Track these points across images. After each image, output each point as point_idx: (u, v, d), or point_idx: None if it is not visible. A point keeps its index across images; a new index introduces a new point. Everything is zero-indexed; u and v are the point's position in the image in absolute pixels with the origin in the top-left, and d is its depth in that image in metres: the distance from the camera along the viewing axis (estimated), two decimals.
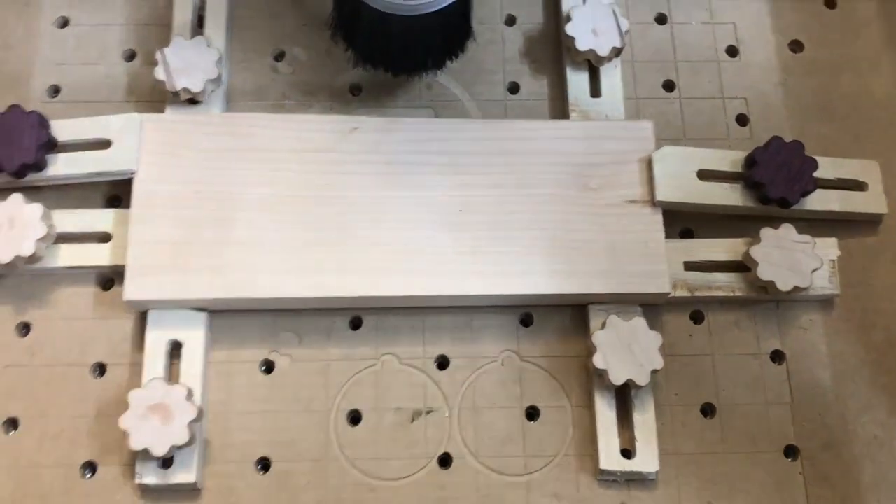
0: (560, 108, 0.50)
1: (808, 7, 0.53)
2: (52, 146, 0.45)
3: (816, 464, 0.44)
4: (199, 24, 0.50)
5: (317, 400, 0.44)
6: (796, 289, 0.44)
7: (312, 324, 0.45)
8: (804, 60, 0.52)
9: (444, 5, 0.41)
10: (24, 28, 0.50)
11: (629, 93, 0.50)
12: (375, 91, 0.50)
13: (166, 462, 0.42)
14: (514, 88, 0.50)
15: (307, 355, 0.45)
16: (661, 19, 0.52)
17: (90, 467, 0.43)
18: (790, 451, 0.44)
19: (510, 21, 0.52)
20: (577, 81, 0.49)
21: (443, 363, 0.45)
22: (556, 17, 0.51)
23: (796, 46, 0.52)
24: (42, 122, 0.44)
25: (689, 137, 0.49)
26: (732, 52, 0.52)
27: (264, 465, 0.43)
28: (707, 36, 0.52)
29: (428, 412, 0.44)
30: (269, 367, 0.45)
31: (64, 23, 0.51)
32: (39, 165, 0.45)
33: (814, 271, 0.44)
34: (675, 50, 0.51)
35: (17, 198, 0.44)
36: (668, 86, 0.51)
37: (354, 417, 0.44)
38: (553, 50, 0.51)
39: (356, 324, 0.46)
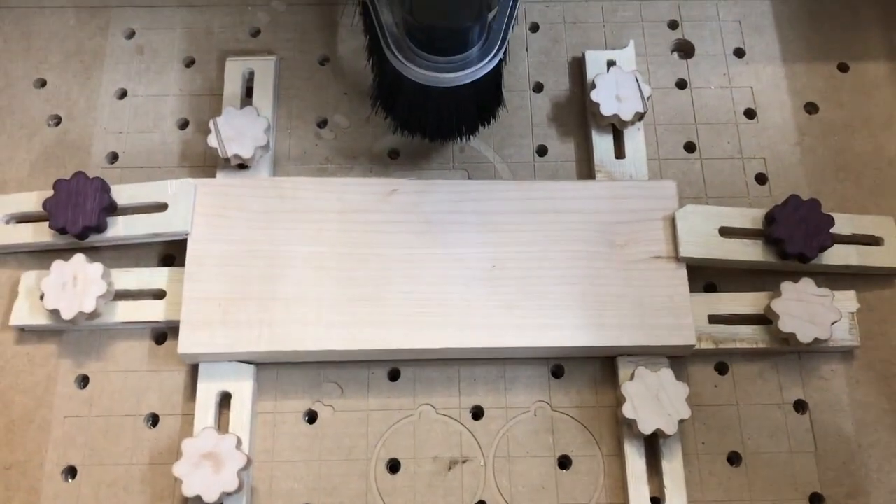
0: (586, 169, 0.52)
1: (821, 71, 0.55)
2: (113, 209, 0.48)
3: None
4: (247, 94, 0.53)
5: (357, 449, 0.46)
6: (817, 340, 0.46)
7: (353, 375, 0.48)
8: (819, 121, 0.54)
9: (477, 77, 0.44)
10: (85, 100, 0.54)
11: (652, 153, 0.52)
12: (412, 155, 0.53)
13: None
14: (542, 151, 0.53)
15: (348, 405, 0.47)
16: (682, 84, 0.55)
17: None
18: (815, 500, 0.45)
19: (538, 88, 0.55)
20: (603, 144, 0.51)
21: (477, 413, 0.47)
22: (581, 84, 0.55)
23: (811, 108, 0.55)
24: (104, 187, 0.48)
25: (710, 196, 0.52)
26: (750, 114, 0.54)
27: None
28: (725, 99, 0.55)
29: (464, 461, 0.46)
30: (312, 417, 0.47)
31: (122, 94, 0.55)
32: (100, 228, 0.48)
33: (833, 323, 0.46)
34: (696, 113, 0.54)
35: (79, 258, 0.47)
36: (689, 147, 0.53)
37: (393, 466, 0.46)
38: (578, 114, 0.54)
39: (394, 375, 0.48)
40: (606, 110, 0.50)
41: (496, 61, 0.44)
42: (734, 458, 0.46)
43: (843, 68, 0.56)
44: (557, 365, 0.48)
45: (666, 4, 0.57)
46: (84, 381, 0.48)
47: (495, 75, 0.47)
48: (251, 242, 0.48)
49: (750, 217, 0.49)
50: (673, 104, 0.55)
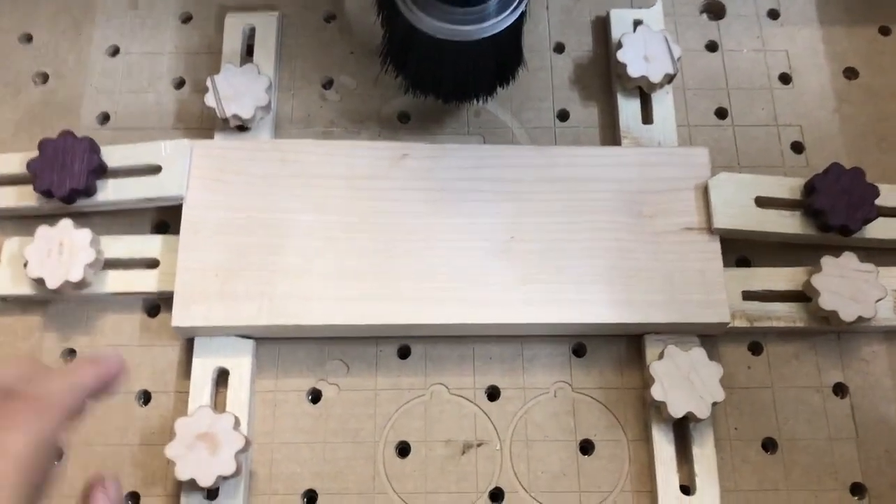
0: (610, 135, 0.49)
1: (861, 34, 0.52)
2: (102, 172, 0.45)
3: (885, 503, 0.42)
4: (248, 53, 0.50)
5: (364, 431, 0.43)
6: (860, 319, 0.42)
7: (360, 352, 0.44)
8: (859, 87, 0.51)
9: (497, 31, 0.41)
10: (75, 57, 0.51)
11: (681, 119, 0.49)
12: (423, 119, 0.49)
13: (211, 493, 0.41)
14: (563, 115, 0.50)
15: (355, 384, 0.44)
16: (712, 46, 0.52)
17: (134, 498, 0.42)
18: (857, 489, 0.42)
19: (559, 48, 0.51)
20: (629, 108, 0.48)
21: (493, 394, 0.44)
22: (605, 44, 0.51)
23: (851, 73, 0.51)
24: (93, 148, 0.44)
25: (743, 165, 0.48)
26: (785, 79, 0.51)
27: (310, 497, 0.42)
28: (759, 63, 0.51)
29: (479, 445, 0.43)
30: (315, 396, 0.44)
31: (115, 51, 0.51)
32: (89, 191, 0.44)
33: (878, 301, 0.43)
34: (727, 77, 0.51)
35: (66, 223, 0.44)
36: (721, 113, 0.50)
37: (403, 449, 0.43)
38: (602, 77, 0.50)
39: (404, 352, 0.45)
40: (634, 71, 0.47)
41: (518, 13, 0.41)
42: (769, 445, 0.43)
43: (885, 31, 0.52)
44: (579, 343, 0.45)
45: None
46: (71, 355, 0.45)
47: (516, 30, 0.43)
48: (251, 209, 0.44)
49: (788, 186, 0.45)
50: (703, 68, 0.51)
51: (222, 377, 0.43)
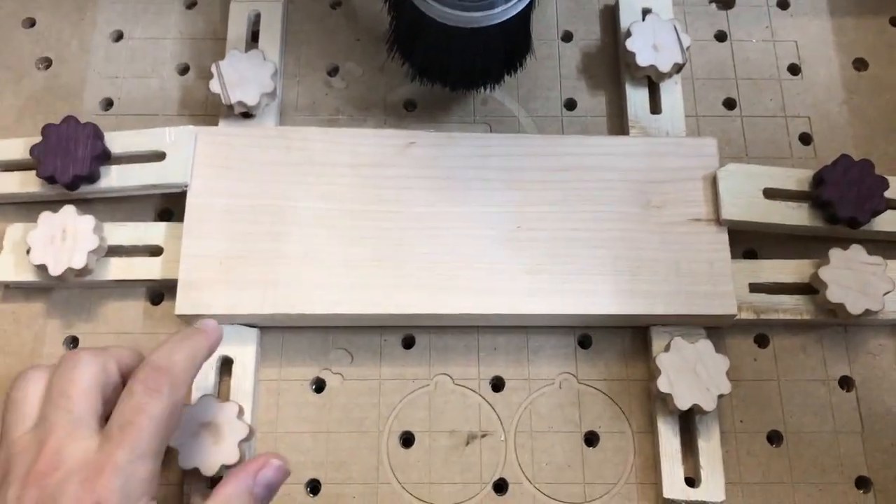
0: (618, 124, 0.48)
1: (872, 25, 0.51)
2: (106, 158, 0.45)
3: (891, 497, 0.42)
4: (253, 39, 0.49)
5: (368, 420, 0.43)
6: (867, 312, 0.42)
7: (364, 342, 0.44)
8: (869, 79, 0.50)
9: (505, 18, 0.40)
10: (78, 41, 0.50)
11: (689, 110, 0.49)
12: (430, 106, 0.49)
13: (215, 482, 0.40)
14: (570, 104, 0.49)
15: (359, 374, 0.44)
16: (721, 36, 0.51)
17: None
18: (862, 483, 0.42)
19: (567, 37, 0.51)
20: (637, 98, 0.48)
21: (498, 385, 0.44)
22: (613, 32, 0.51)
23: (860, 65, 0.51)
24: (97, 134, 0.44)
25: (751, 156, 0.48)
26: (794, 70, 0.50)
27: (314, 487, 0.42)
28: (768, 54, 0.51)
29: (483, 435, 0.43)
30: (319, 385, 0.44)
31: (118, 36, 0.51)
32: (92, 177, 0.44)
33: (885, 294, 0.42)
34: (736, 67, 0.50)
35: (69, 209, 0.43)
36: (729, 103, 0.49)
37: (407, 439, 0.43)
38: (611, 66, 0.50)
39: (409, 342, 0.45)
40: (643, 60, 0.46)
41: (527, 0, 0.40)
42: (774, 438, 0.43)
43: (895, 22, 0.52)
44: (585, 334, 0.45)
45: None
46: (73, 342, 0.44)
47: (525, 17, 0.43)
48: (255, 197, 0.44)
49: (796, 178, 0.45)
50: (711, 58, 0.51)
51: (226, 366, 0.43)
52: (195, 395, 0.41)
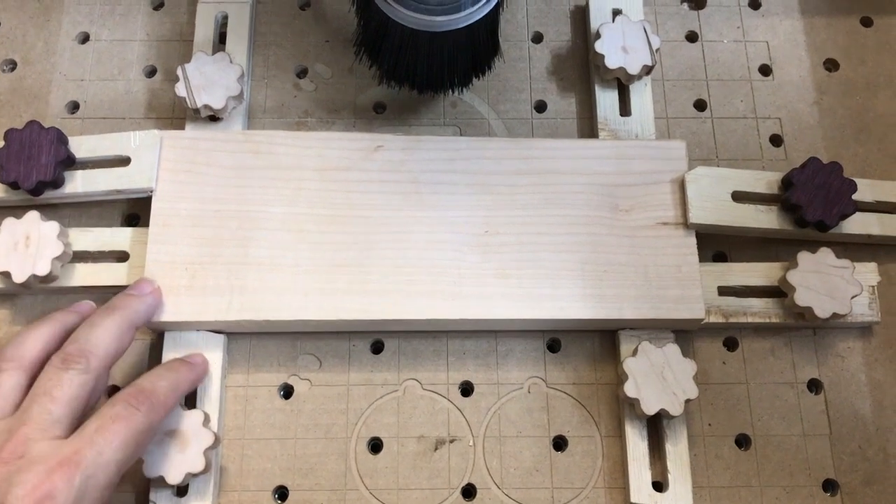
0: (588, 127, 0.48)
1: (843, 25, 0.51)
2: (71, 163, 0.44)
3: (857, 499, 0.42)
4: (220, 41, 0.49)
5: (337, 426, 0.43)
6: (835, 315, 0.42)
7: (333, 347, 0.44)
8: (840, 80, 0.50)
9: (472, 21, 0.40)
10: (43, 43, 0.50)
11: (659, 112, 0.49)
12: (399, 109, 0.49)
13: (181, 490, 0.40)
14: (540, 107, 0.49)
15: (327, 380, 0.43)
16: (692, 37, 0.51)
17: None
18: (829, 486, 0.42)
19: (537, 38, 0.51)
20: (606, 100, 0.47)
21: (466, 390, 0.44)
22: (584, 34, 0.50)
23: (831, 65, 0.51)
24: (60, 139, 0.43)
25: (721, 158, 0.48)
26: (765, 71, 0.50)
27: (282, 493, 0.42)
28: (739, 55, 0.50)
29: (451, 441, 0.43)
30: (287, 391, 0.43)
31: (84, 38, 0.50)
32: (57, 183, 0.44)
33: (853, 297, 0.43)
34: (707, 68, 0.50)
35: (33, 215, 0.43)
36: (700, 105, 0.49)
37: (375, 445, 0.43)
38: (581, 68, 0.50)
39: (377, 347, 0.44)
40: (612, 62, 0.46)
41: (493, 4, 0.40)
42: (743, 441, 0.43)
43: (867, 23, 0.52)
44: (553, 338, 0.45)
45: None
46: None
47: (491, 20, 0.42)
48: (222, 201, 0.44)
49: (765, 181, 0.45)
50: (682, 59, 0.50)
51: None
52: None
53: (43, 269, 0.42)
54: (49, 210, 0.44)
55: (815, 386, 0.44)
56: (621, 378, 0.42)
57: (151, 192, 0.44)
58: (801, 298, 0.42)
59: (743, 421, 0.43)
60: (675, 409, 0.40)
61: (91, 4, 0.51)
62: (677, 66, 0.50)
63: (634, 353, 0.42)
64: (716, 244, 0.46)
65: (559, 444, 0.43)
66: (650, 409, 0.40)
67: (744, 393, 0.44)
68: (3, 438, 0.34)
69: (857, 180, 0.44)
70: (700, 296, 0.42)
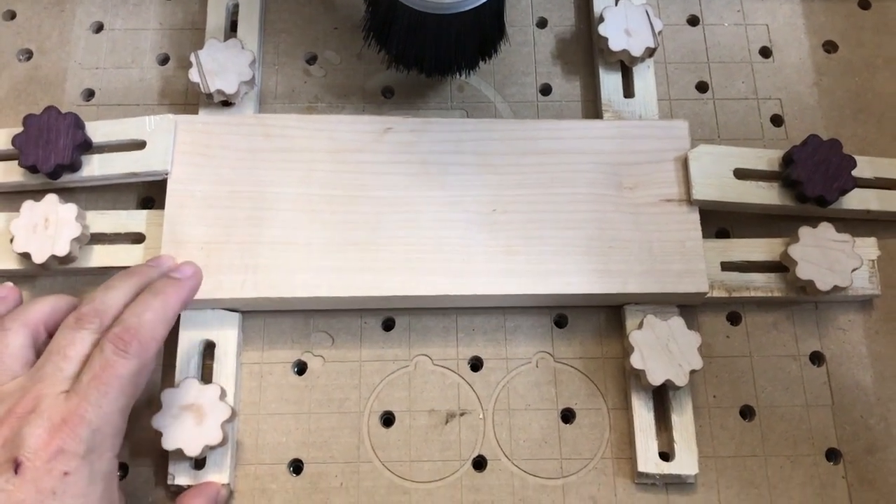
0: (592, 109, 0.49)
1: (841, 8, 0.52)
2: (87, 147, 0.45)
3: (859, 468, 0.43)
4: (231, 29, 0.50)
5: (349, 401, 0.44)
6: (836, 288, 0.43)
7: (345, 324, 0.45)
8: (838, 61, 0.51)
9: (479, 3, 0.41)
10: (59, 33, 0.51)
11: (662, 93, 0.49)
12: (407, 93, 0.50)
13: (199, 463, 0.41)
14: (545, 90, 0.50)
15: (340, 356, 0.44)
16: (693, 21, 0.52)
17: (122, 468, 0.42)
18: (832, 455, 0.43)
19: (541, 23, 0.52)
20: (610, 82, 0.48)
21: (476, 364, 0.45)
22: (587, 18, 0.51)
23: (830, 47, 0.52)
24: (77, 123, 0.45)
25: (723, 138, 0.49)
26: (766, 52, 0.51)
27: (296, 466, 0.43)
28: (740, 37, 0.51)
29: (462, 414, 0.43)
30: (301, 367, 0.44)
31: (98, 28, 0.51)
32: (74, 166, 0.45)
33: (853, 271, 0.43)
34: (708, 51, 0.51)
35: (51, 198, 0.44)
36: (702, 86, 0.50)
37: (387, 419, 0.44)
38: (585, 51, 0.51)
39: (389, 324, 0.45)
40: (615, 45, 0.47)
41: None
42: (747, 412, 0.44)
43: (865, 5, 0.53)
44: (560, 314, 0.46)
45: None
46: None
47: (498, 4, 0.43)
48: (235, 183, 0.45)
49: (766, 158, 0.46)
50: (684, 42, 0.51)
51: (209, 349, 0.44)
52: (179, 378, 0.42)
53: (62, 250, 0.43)
54: (67, 193, 0.45)
55: (817, 358, 0.45)
56: (627, 350, 0.43)
57: (167, 174, 0.45)
58: (803, 272, 0.43)
59: (747, 393, 0.44)
60: (681, 379, 0.41)
61: None
62: (679, 49, 0.51)
63: (640, 326, 0.43)
64: (718, 221, 0.47)
65: (567, 416, 0.44)
66: (656, 379, 0.41)
67: (747, 366, 0.45)
68: (19, 396, 0.35)
69: (856, 157, 0.45)
70: (703, 270, 0.43)
